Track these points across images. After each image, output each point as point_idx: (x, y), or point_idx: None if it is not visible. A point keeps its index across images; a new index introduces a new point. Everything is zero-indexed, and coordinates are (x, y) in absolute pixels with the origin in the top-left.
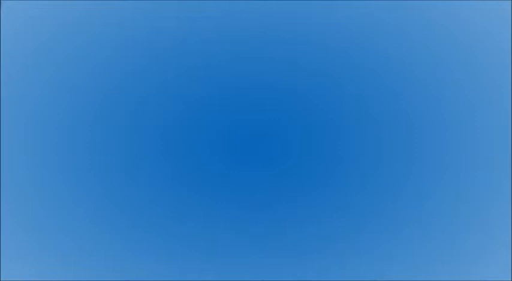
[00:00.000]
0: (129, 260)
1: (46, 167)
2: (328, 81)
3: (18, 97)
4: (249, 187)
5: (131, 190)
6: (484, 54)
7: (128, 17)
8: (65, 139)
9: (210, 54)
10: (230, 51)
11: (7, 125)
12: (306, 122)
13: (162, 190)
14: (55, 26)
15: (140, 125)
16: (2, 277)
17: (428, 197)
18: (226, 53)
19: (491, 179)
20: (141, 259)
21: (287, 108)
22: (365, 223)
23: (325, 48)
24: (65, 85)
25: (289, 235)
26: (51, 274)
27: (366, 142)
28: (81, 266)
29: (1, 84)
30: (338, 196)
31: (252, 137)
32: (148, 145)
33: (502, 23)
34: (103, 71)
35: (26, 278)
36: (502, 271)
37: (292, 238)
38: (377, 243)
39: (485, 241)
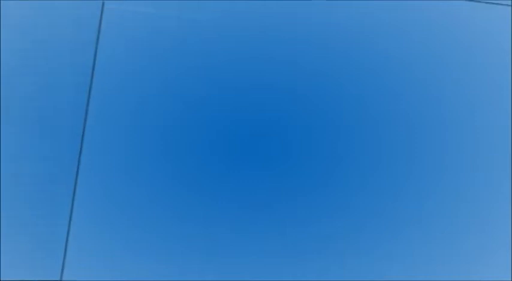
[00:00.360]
0: (129, 260)
1: (46, 167)
2: (328, 81)
3: (18, 97)
4: (249, 187)
5: (131, 189)
6: (484, 54)
7: (128, 17)
8: (65, 139)
9: (210, 54)
10: (230, 51)
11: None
12: (306, 122)
13: (162, 190)
14: (55, 25)
15: (140, 125)
16: (2, 277)
17: (428, 197)
18: (226, 53)
19: (491, 179)
20: (141, 259)
21: (287, 108)
22: (365, 223)
23: (325, 48)
24: (65, 85)
25: (289, 235)
26: (51, 274)
27: (366, 142)
28: (81, 266)
29: (1, 84)
30: (338, 196)
31: (252, 137)
32: (148, 144)
33: (502, 23)
34: (103, 71)
35: (26, 278)
36: (502, 271)
37: (292, 238)
38: (377, 243)
39: (485, 241)
